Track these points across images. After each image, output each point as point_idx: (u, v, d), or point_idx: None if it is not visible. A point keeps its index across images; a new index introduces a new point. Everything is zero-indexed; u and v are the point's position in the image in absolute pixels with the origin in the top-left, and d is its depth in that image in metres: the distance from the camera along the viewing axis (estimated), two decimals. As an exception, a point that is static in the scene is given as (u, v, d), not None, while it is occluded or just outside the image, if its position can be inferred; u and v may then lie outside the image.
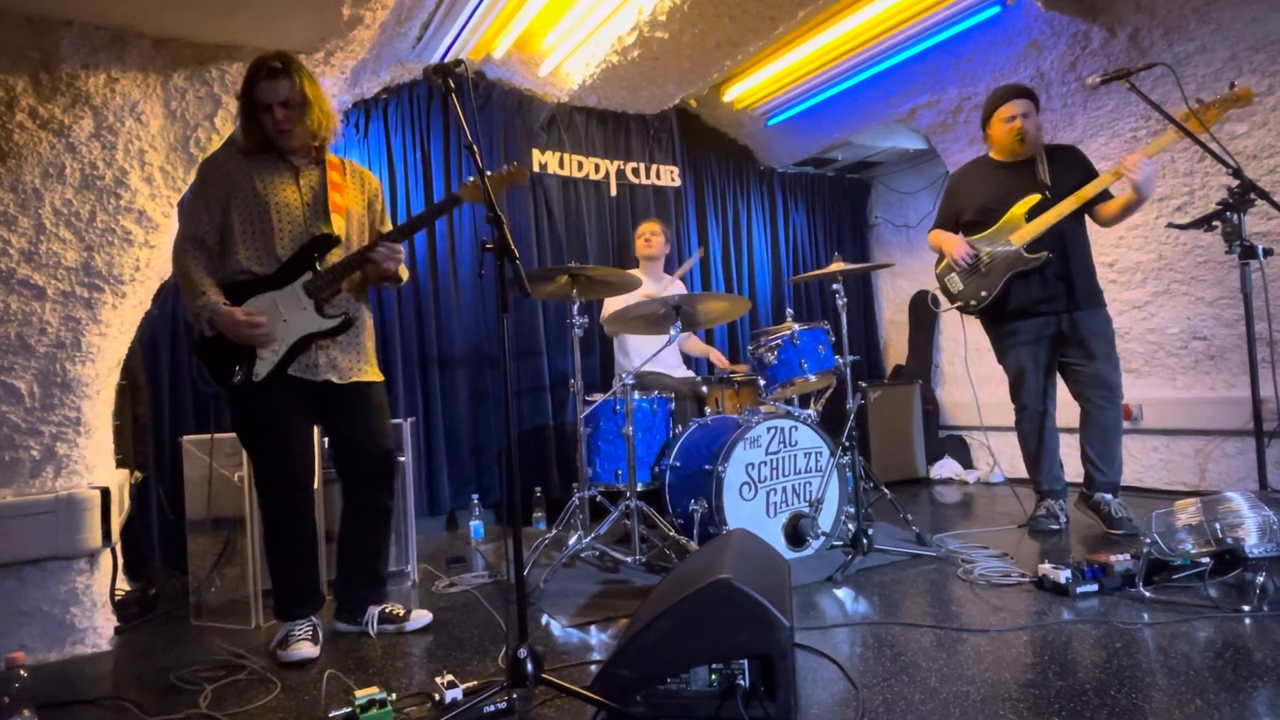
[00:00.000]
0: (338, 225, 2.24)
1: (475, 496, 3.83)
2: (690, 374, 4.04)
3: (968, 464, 4.93)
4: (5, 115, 2.26)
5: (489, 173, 2.04)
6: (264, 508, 2.23)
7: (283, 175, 2.22)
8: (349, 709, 1.59)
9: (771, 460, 2.88)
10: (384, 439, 2.30)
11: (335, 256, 2.22)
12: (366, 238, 2.35)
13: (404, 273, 2.33)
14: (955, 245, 3.16)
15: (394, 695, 1.67)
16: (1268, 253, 2.61)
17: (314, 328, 2.17)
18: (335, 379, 2.22)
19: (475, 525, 3.73)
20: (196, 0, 2.30)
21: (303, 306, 2.17)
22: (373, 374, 2.32)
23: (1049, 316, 3.09)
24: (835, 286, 3.01)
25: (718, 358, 4.26)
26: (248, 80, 2.14)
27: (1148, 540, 2.23)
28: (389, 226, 2.44)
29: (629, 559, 2.83)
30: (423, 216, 2.31)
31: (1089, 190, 2.92)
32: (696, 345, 4.30)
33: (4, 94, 2.26)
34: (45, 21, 2.30)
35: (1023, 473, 3.41)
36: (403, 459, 2.83)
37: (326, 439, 2.75)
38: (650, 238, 4.03)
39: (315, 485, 2.34)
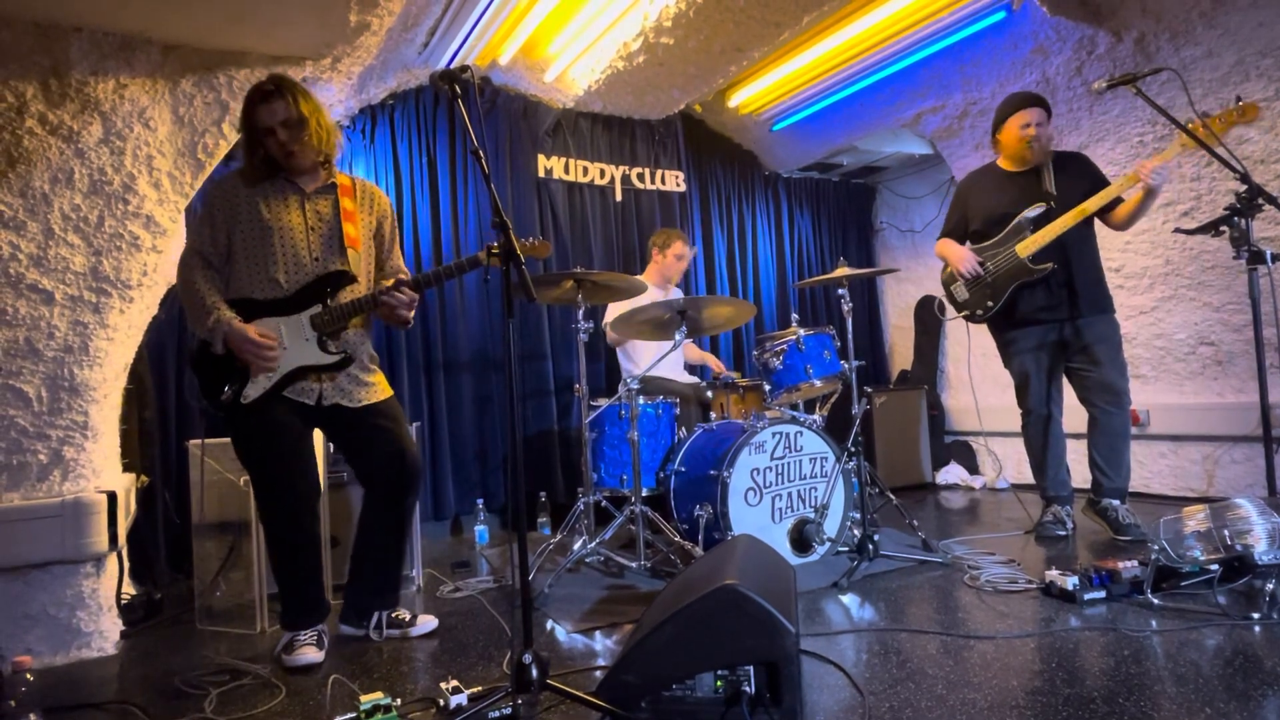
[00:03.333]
0: (352, 260, 2.23)
1: (480, 501, 3.83)
2: (695, 379, 4.04)
3: (974, 469, 4.91)
4: (15, 121, 2.28)
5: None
6: (265, 521, 2.22)
7: (288, 200, 2.21)
8: (354, 714, 1.59)
9: (777, 465, 2.87)
10: (409, 445, 2.30)
11: (346, 294, 2.22)
12: (373, 264, 2.35)
13: (411, 318, 2.30)
14: (962, 258, 3.17)
15: (399, 700, 1.67)
16: (1276, 258, 2.60)
17: (312, 360, 2.17)
18: (346, 403, 2.22)
19: (480, 530, 3.73)
20: (204, 7, 2.31)
21: (305, 338, 2.16)
22: (385, 392, 2.31)
23: (1051, 324, 3.09)
24: (840, 291, 3.01)
25: (715, 363, 4.25)
26: (245, 109, 2.14)
27: (1155, 547, 2.21)
28: (398, 252, 2.44)
29: (634, 564, 2.82)
30: (439, 273, 2.26)
31: (1093, 203, 2.92)
32: (694, 352, 4.30)
33: (14, 100, 2.27)
34: (55, 28, 2.31)
35: (1029, 478, 3.40)
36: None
37: (332, 446, 2.76)
38: (686, 266, 3.98)
39: (321, 494, 2.35)
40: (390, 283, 2.22)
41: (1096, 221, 3.11)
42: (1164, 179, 2.81)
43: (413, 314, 2.28)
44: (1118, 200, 2.98)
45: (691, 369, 4.33)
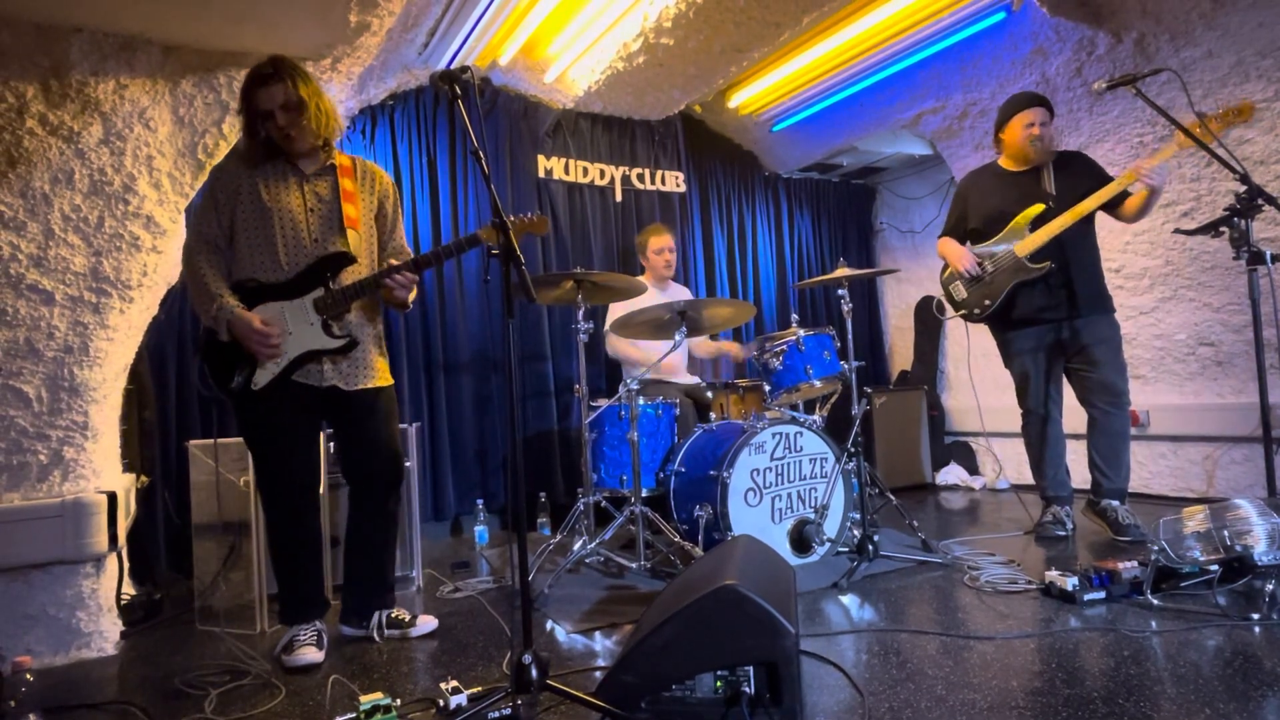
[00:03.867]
0: (352, 241, 2.23)
1: (480, 501, 3.83)
2: (696, 380, 4.04)
3: (973, 470, 4.91)
4: (15, 122, 2.28)
5: (512, 219, 2.04)
6: (267, 511, 2.23)
7: (287, 182, 2.21)
8: (353, 714, 1.59)
9: (777, 466, 2.88)
10: (391, 444, 2.30)
11: (347, 275, 2.22)
12: (375, 244, 2.35)
13: (411, 300, 2.30)
14: (961, 257, 3.17)
15: (398, 701, 1.67)
16: (1275, 258, 2.60)
17: (318, 345, 2.17)
18: (341, 385, 2.22)
19: (480, 530, 3.73)
20: (204, 7, 2.31)
21: (310, 322, 2.17)
22: (381, 379, 2.31)
23: (1050, 324, 3.10)
24: (840, 292, 3.01)
25: (734, 349, 4.18)
26: (244, 92, 2.15)
27: (1155, 547, 2.21)
28: (401, 231, 2.43)
29: (634, 565, 2.82)
30: (439, 253, 2.25)
31: (1090, 203, 2.93)
32: (707, 346, 4.27)
33: (14, 100, 2.27)
34: (55, 29, 2.31)
35: (1029, 479, 3.40)
36: (408, 464, 2.83)
37: (332, 444, 2.76)
38: (670, 256, 3.95)
39: (321, 489, 2.35)
40: (389, 265, 2.22)
41: (1098, 221, 3.11)
42: (1163, 178, 2.83)
43: (412, 296, 2.28)
44: (1124, 195, 2.99)
45: (696, 365, 4.32)
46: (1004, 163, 3.25)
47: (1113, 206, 3.03)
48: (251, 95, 2.13)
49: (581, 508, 3.05)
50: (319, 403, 2.23)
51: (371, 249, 2.33)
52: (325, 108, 2.20)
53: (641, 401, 3.05)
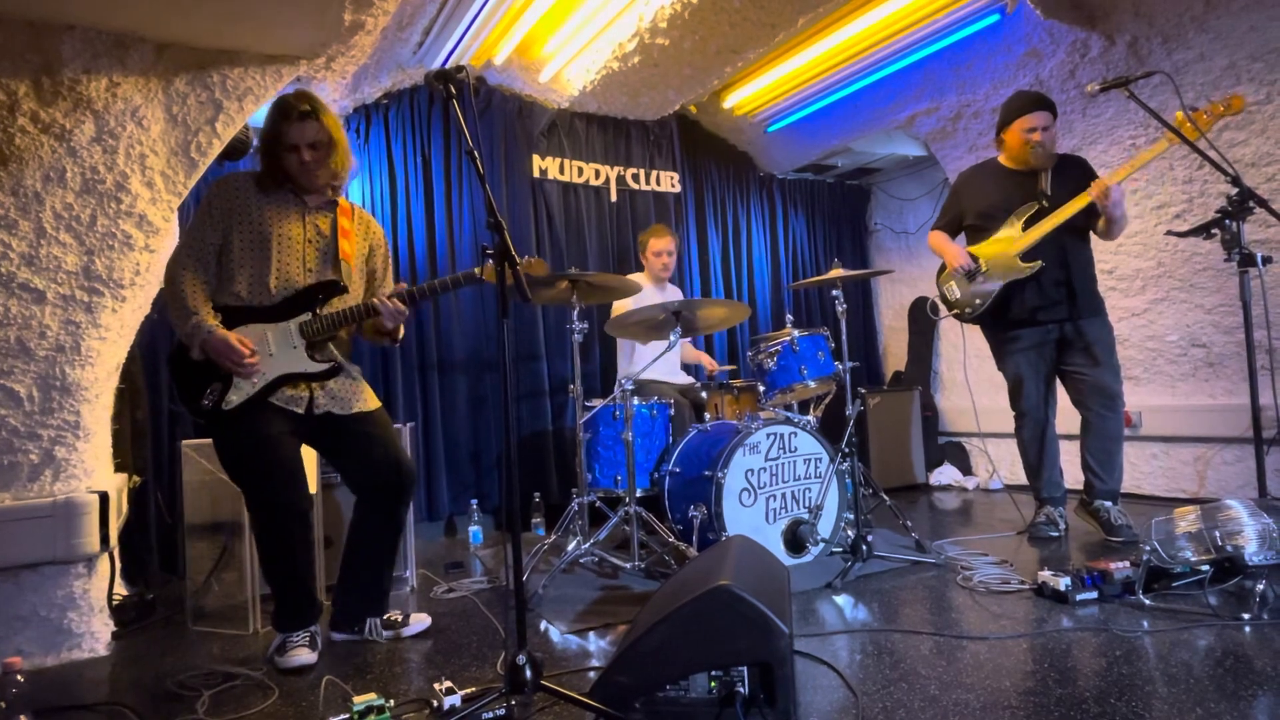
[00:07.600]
0: (345, 274, 2.26)
1: (474, 502, 3.82)
2: (690, 380, 4.04)
3: (967, 470, 4.93)
4: (7, 119, 2.26)
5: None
6: (258, 530, 2.18)
7: (290, 210, 2.23)
8: (347, 715, 1.59)
9: (771, 466, 2.88)
10: (402, 454, 2.31)
11: (336, 304, 2.23)
12: (364, 285, 2.37)
13: (401, 332, 2.32)
14: (956, 255, 3.18)
15: (392, 701, 1.67)
16: (1266, 260, 2.61)
17: (299, 368, 2.16)
18: (337, 410, 2.22)
19: (474, 530, 3.72)
20: (198, 6, 2.30)
21: (293, 345, 2.16)
22: (373, 402, 2.33)
23: (1050, 325, 3.10)
24: (835, 293, 3.01)
25: (709, 362, 4.26)
26: (273, 120, 2.16)
27: (1147, 548, 2.23)
28: (390, 279, 2.45)
29: (628, 565, 2.82)
30: (435, 286, 2.25)
31: (1069, 209, 2.95)
32: (690, 352, 4.30)
33: (5, 98, 2.26)
34: (47, 26, 2.30)
35: (1022, 479, 3.41)
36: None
37: (328, 461, 2.74)
38: (668, 259, 3.94)
39: (313, 496, 2.33)
40: (386, 291, 2.25)
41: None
42: (1120, 208, 2.91)
43: (401, 330, 2.30)
44: (1098, 214, 3.01)
45: (687, 368, 4.33)
46: (1004, 160, 3.25)
47: (1091, 221, 3.04)
48: (284, 127, 2.15)
49: (576, 508, 3.04)
50: (305, 429, 2.22)
51: (360, 287, 2.35)
52: (345, 148, 2.26)
53: (636, 401, 3.05)
